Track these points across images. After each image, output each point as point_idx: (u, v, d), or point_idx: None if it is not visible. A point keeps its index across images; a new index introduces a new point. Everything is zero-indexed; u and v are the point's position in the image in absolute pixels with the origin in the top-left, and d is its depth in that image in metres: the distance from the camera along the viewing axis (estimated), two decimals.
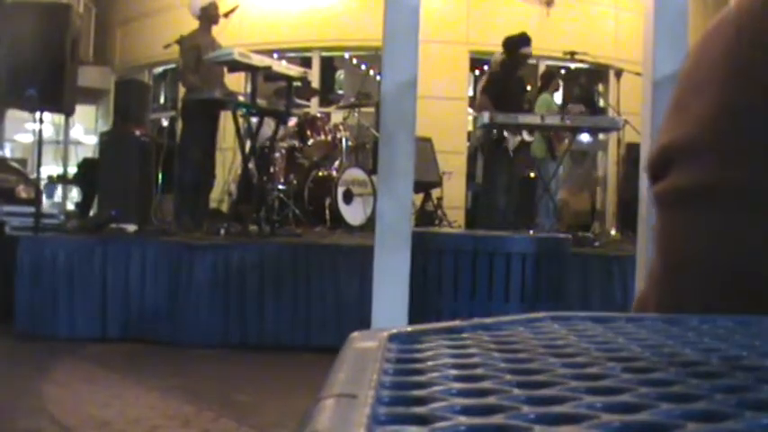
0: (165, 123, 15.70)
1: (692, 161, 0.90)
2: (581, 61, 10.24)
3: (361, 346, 0.54)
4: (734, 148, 0.87)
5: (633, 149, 8.81)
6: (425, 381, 0.45)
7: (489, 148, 8.82)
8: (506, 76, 9.07)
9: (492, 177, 8.85)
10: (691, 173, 0.89)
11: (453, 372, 0.48)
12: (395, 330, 0.58)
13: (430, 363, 0.50)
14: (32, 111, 7.81)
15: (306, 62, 13.75)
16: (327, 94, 14.92)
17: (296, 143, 9.79)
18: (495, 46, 11.28)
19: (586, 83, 14.86)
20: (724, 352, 0.56)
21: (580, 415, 0.39)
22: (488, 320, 0.66)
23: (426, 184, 10.54)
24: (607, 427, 0.37)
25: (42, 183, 10.27)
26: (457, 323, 0.64)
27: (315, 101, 13.54)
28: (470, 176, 12.14)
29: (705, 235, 0.89)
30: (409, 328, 0.60)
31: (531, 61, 10.39)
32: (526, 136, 8.95)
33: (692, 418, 0.39)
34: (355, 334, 0.57)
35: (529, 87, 10.50)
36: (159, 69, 16.04)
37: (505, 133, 8.70)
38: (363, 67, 15.51)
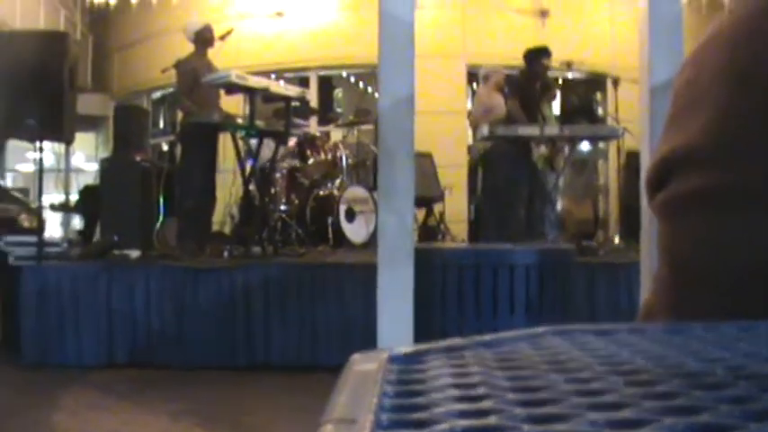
0: (165, 148, 15.72)
1: (693, 169, 0.90)
2: (578, 71, 10.26)
3: (361, 369, 0.54)
4: (736, 153, 0.87)
5: (633, 157, 8.80)
6: (426, 402, 0.45)
7: (509, 158, 8.76)
8: (525, 87, 9.07)
9: (512, 188, 8.79)
10: (693, 180, 0.89)
11: (454, 392, 0.47)
12: (395, 351, 0.58)
13: (431, 383, 0.50)
14: (33, 140, 7.82)
15: (303, 82, 13.78)
16: (326, 112, 14.94)
17: (296, 163, 9.80)
18: (491, 57, 11.31)
19: (584, 92, 14.88)
20: (728, 361, 0.55)
21: None
22: (490, 337, 0.65)
23: (428, 198, 10.54)
24: None
25: (44, 211, 10.27)
26: (458, 341, 0.63)
27: (314, 120, 13.56)
28: (472, 190, 12.13)
29: (710, 240, 0.89)
30: (409, 349, 0.59)
31: None
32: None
33: None
34: (356, 356, 0.57)
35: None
36: (158, 94, 16.08)
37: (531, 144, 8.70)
38: (361, 84, 15.54)
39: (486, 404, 0.45)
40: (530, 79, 9.09)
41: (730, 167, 0.87)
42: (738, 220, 0.86)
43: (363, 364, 0.55)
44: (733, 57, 0.90)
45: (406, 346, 0.60)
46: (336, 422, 0.40)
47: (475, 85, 14.10)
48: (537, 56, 8.97)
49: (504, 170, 8.74)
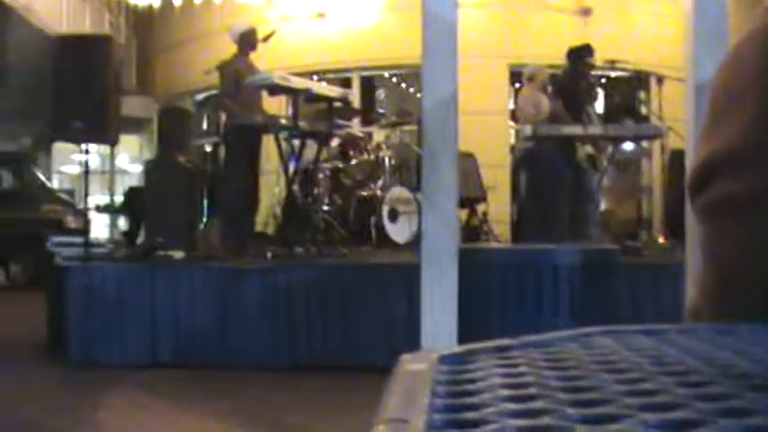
0: (208, 149, 15.83)
1: (736, 171, 0.89)
2: (621, 69, 10.18)
3: (411, 369, 0.54)
4: None
5: (677, 156, 8.72)
6: (477, 402, 0.45)
7: (553, 158, 8.70)
8: (569, 87, 9.02)
9: (556, 189, 8.74)
10: (736, 183, 0.88)
11: (505, 392, 0.47)
12: (445, 352, 0.58)
13: (481, 383, 0.50)
14: (79, 143, 7.90)
15: (346, 83, 13.80)
16: (368, 113, 14.95)
17: (339, 164, 9.81)
18: (533, 58, 11.26)
19: (627, 91, 14.77)
20: None
21: None
22: (538, 337, 0.65)
23: (471, 199, 10.50)
24: None
25: (90, 213, 10.39)
26: (507, 341, 0.63)
27: (356, 121, 13.57)
28: (515, 190, 12.08)
29: (754, 244, 0.88)
30: (459, 349, 0.59)
31: None
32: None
33: None
34: (406, 356, 0.57)
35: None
36: (201, 96, 16.18)
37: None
38: (403, 85, 15.54)
39: (537, 404, 0.45)
40: (574, 79, 9.03)
41: None
42: None
43: (414, 365, 0.55)
44: None
45: (450, 346, 0.60)
46: (389, 422, 0.40)
47: (517, 84, 14.06)
48: (580, 55, 8.92)
49: (548, 170, 8.69)
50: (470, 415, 0.42)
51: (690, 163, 1.00)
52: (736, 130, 0.89)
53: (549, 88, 9.42)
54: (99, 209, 13.51)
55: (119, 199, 12.28)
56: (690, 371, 0.53)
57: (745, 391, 0.47)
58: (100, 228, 14.80)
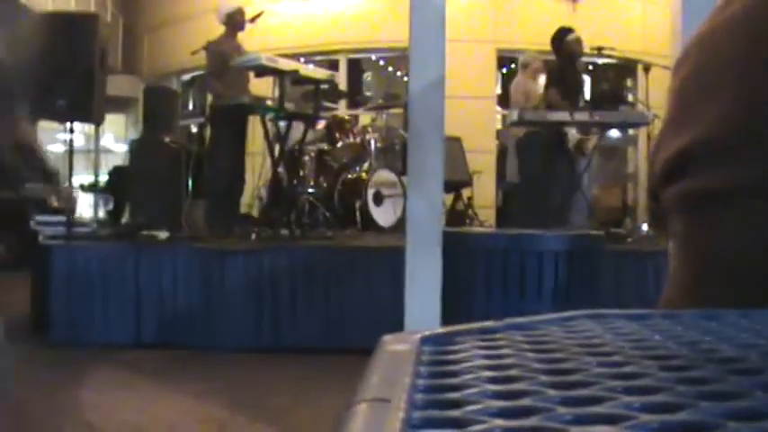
0: (194, 130, 15.78)
1: (714, 162, 0.88)
2: (609, 57, 10.18)
3: (394, 349, 0.54)
4: (758, 146, 0.85)
5: None
6: (459, 383, 0.45)
7: (549, 145, 8.70)
8: (565, 75, 8.99)
9: (546, 175, 8.73)
10: (714, 174, 0.87)
11: (487, 373, 0.47)
12: (428, 332, 0.58)
13: (464, 365, 0.50)
14: (63, 121, 7.87)
15: (333, 65, 13.77)
16: (355, 96, 14.93)
17: (325, 146, 9.80)
18: (522, 43, 11.26)
19: (614, 78, 14.78)
20: (762, 348, 0.55)
21: (618, 415, 0.38)
22: (522, 320, 0.65)
23: (456, 183, 10.52)
24: (646, 427, 0.37)
25: (74, 192, 10.35)
26: (490, 324, 0.63)
27: (343, 103, 13.56)
28: (500, 176, 12.09)
29: (732, 237, 0.87)
30: (442, 330, 0.59)
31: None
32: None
33: (734, 417, 0.38)
34: (388, 337, 0.57)
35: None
36: (187, 76, 16.13)
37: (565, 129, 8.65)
38: (390, 68, 15.51)
39: (519, 386, 0.44)
40: (565, 66, 9.01)
41: (755, 162, 0.85)
42: (762, 218, 0.85)
43: (396, 345, 0.55)
44: (755, 43, 0.87)
45: (433, 329, 0.60)
46: (371, 401, 0.40)
47: (505, 69, 14.06)
48: (561, 36, 8.90)
49: (539, 157, 8.69)
50: (453, 395, 0.42)
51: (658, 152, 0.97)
52: (713, 119, 0.88)
53: (543, 77, 9.41)
54: (83, 188, 13.41)
55: (103, 178, 12.21)
56: (673, 355, 0.53)
57: (727, 376, 0.47)
58: (84, 207, 14.73)
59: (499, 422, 0.38)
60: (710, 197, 0.89)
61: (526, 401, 0.41)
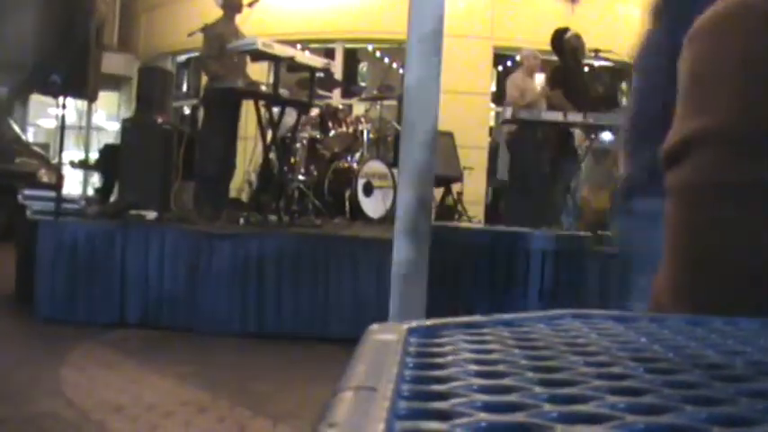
0: (186, 111, 15.75)
1: (714, 153, 0.87)
2: (606, 59, 10.19)
3: (381, 339, 0.54)
4: (760, 141, 0.84)
5: None
6: (446, 375, 0.45)
7: (536, 144, 8.70)
8: (570, 74, 8.99)
9: (538, 174, 8.74)
10: (712, 166, 0.87)
11: (474, 367, 0.47)
12: (415, 324, 0.58)
13: (450, 357, 0.50)
14: (56, 96, 7.83)
15: (329, 53, 13.75)
16: (350, 85, 14.92)
17: (317, 134, 9.79)
18: (519, 42, 11.25)
19: (610, 81, 14.79)
20: (748, 355, 0.55)
21: (603, 415, 0.38)
22: (508, 316, 0.65)
23: (447, 178, 10.53)
24: (631, 428, 0.37)
25: (64, 168, 10.32)
26: (477, 318, 0.63)
27: (337, 92, 13.54)
28: (491, 173, 12.11)
29: (724, 232, 0.87)
30: (429, 322, 0.59)
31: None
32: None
33: (718, 422, 0.38)
34: (374, 326, 0.57)
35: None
36: (183, 57, 16.09)
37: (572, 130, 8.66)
38: (386, 59, 15.50)
39: (506, 381, 0.44)
40: (570, 63, 9.01)
41: (755, 157, 0.84)
42: (757, 214, 0.84)
43: (383, 335, 0.54)
44: (760, 40, 0.87)
45: (421, 320, 0.60)
46: (357, 389, 0.40)
47: (500, 68, 14.06)
48: (560, 35, 8.91)
49: (530, 155, 8.70)
50: (439, 387, 0.42)
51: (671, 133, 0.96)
52: (717, 108, 0.88)
53: (543, 76, 9.42)
54: (73, 164, 13.39)
55: (94, 156, 12.18)
56: (659, 358, 0.53)
57: (712, 381, 0.47)
58: (73, 184, 14.70)
59: (484, 416, 0.37)
60: (701, 190, 0.88)
61: (512, 397, 0.41)
